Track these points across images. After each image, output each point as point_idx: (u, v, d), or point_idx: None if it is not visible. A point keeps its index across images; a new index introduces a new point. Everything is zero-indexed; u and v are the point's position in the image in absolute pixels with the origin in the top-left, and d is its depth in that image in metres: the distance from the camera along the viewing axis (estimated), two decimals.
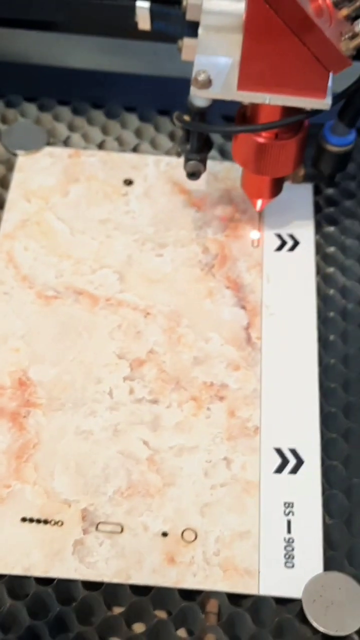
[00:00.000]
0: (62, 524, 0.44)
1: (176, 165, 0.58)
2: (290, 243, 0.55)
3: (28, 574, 0.43)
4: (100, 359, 0.50)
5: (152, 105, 0.62)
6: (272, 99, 0.46)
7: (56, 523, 0.44)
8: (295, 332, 0.52)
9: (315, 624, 0.42)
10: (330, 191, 0.58)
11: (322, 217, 0.57)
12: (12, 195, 0.57)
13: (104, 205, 0.56)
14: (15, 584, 0.43)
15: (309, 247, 0.55)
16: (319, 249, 0.56)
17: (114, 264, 0.54)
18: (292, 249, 0.55)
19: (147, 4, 0.52)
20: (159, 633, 0.42)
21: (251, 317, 0.52)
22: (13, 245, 0.54)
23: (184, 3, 0.49)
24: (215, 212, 0.56)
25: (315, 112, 0.47)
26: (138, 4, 0.52)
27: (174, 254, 0.55)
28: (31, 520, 0.44)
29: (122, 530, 0.44)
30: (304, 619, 0.42)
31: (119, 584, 0.43)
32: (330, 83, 0.46)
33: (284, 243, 0.55)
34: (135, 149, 0.60)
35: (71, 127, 0.61)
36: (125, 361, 0.50)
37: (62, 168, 0.58)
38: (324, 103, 0.46)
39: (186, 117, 0.49)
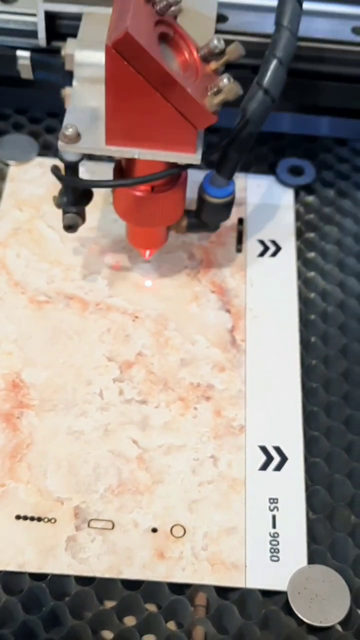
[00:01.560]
0: (55, 521, 0.44)
1: None
2: (272, 249, 0.55)
3: (22, 570, 0.42)
4: (90, 362, 0.50)
5: None
6: (142, 154, 0.44)
7: (49, 520, 0.44)
8: (278, 334, 0.52)
9: (300, 616, 0.41)
10: (310, 198, 0.58)
11: (302, 224, 0.57)
12: (4, 205, 0.56)
13: (92, 214, 0.56)
14: (9, 580, 0.42)
15: (290, 252, 0.55)
16: (300, 255, 0.55)
17: (103, 269, 0.54)
18: (274, 254, 0.55)
19: (27, 54, 0.50)
20: (150, 626, 0.42)
21: (235, 320, 0.52)
22: (5, 252, 0.54)
23: (62, 53, 0.48)
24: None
25: (186, 166, 0.46)
26: (18, 53, 0.50)
27: (160, 260, 0.54)
28: (25, 517, 0.44)
29: (113, 527, 0.44)
30: (289, 611, 0.42)
31: (110, 579, 0.42)
32: (200, 138, 0.44)
33: (266, 249, 0.55)
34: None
35: None
36: (115, 363, 0.50)
37: (52, 178, 0.57)
38: (194, 158, 0.44)
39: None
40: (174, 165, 0.45)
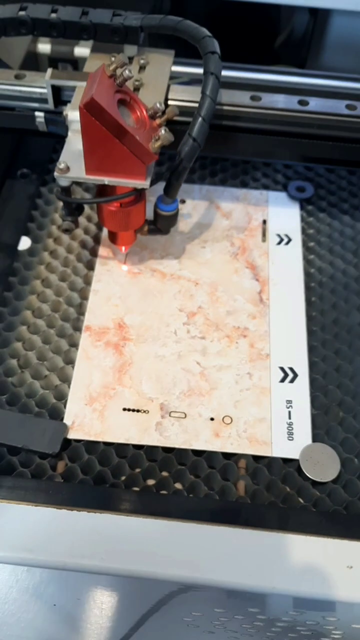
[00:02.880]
0: (148, 412, 0.44)
1: (212, 190, 0.58)
2: (285, 240, 0.55)
3: (128, 442, 0.43)
4: (168, 311, 0.50)
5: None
6: (110, 181, 0.44)
7: (144, 412, 0.44)
8: (290, 295, 0.51)
9: (307, 474, 0.42)
10: (309, 207, 0.57)
11: (305, 224, 0.56)
12: None
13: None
14: (120, 449, 0.43)
15: (297, 242, 0.54)
16: (304, 244, 0.55)
17: (175, 252, 0.53)
18: (287, 243, 0.54)
19: (42, 114, 0.50)
20: (210, 480, 0.42)
21: (262, 286, 0.51)
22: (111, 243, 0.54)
23: (63, 114, 0.47)
24: (238, 220, 0.55)
25: (141, 190, 0.45)
26: (36, 113, 0.50)
27: (213, 246, 0.54)
28: (129, 409, 0.44)
29: (185, 416, 0.44)
30: (300, 472, 0.42)
31: (184, 449, 0.43)
32: (149, 170, 0.43)
33: (281, 240, 0.55)
34: (186, 181, 0.59)
35: None
36: (184, 313, 0.50)
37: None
38: (145, 184, 0.44)
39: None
40: (132, 189, 0.45)
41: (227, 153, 0.56)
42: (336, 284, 0.52)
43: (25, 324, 0.49)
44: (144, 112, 0.44)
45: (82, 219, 0.55)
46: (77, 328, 0.49)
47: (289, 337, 0.49)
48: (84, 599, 0.42)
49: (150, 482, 0.42)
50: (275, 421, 0.44)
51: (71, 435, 0.43)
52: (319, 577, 0.37)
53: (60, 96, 0.50)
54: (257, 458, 0.43)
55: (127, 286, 0.51)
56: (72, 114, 0.46)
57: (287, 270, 0.53)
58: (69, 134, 0.46)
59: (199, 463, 0.43)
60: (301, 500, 0.41)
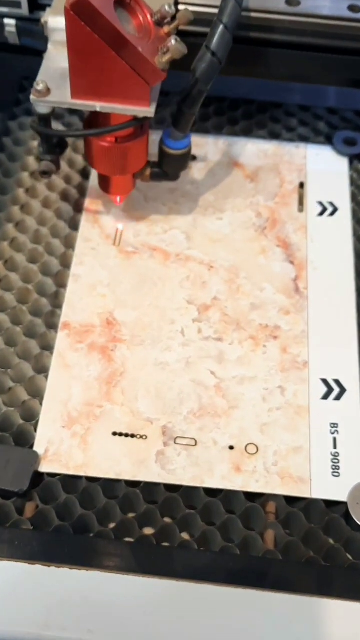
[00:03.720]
0: (146, 437, 0.45)
1: (232, 143, 0.58)
2: (330, 209, 0.55)
3: (119, 477, 0.43)
4: (172, 304, 0.50)
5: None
6: (103, 107, 0.44)
7: (141, 437, 0.45)
8: (336, 284, 0.52)
9: (358, 522, 0.42)
10: None
11: (356, 189, 0.57)
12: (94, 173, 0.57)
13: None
14: (108, 487, 0.43)
15: (346, 213, 0.55)
16: (355, 215, 0.55)
17: (182, 225, 0.54)
18: (332, 214, 0.55)
19: (13, 21, 0.50)
20: (228, 529, 0.43)
21: (298, 270, 0.52)
22: (98, 209, 0.54)
23: (41, 21, 0.48)
24: (266, 183, 0.56)
25: (144, 119, 0.46)
26: (6, 21, 0.50)
27: (232, 218, 0.55)
28: (120, 434, 0.45)
29: (195, 444, 0.45)
30: (348, 518, 0.43)
31: (194, 487, 0.43)
32: (154, 93, 0.44)
33: (324, 209, 0.55)
34: (197, 131, 0.59)
35: None
36: (194, 306, 0.50)
37: None
38: (149, 111, 0.44)
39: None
40: (132, 119, 0.45)
41: (255, 74, 0.56)
42: None
43: None
44: (148, 18, 0.44)
45: (52, 190, 0.56)
46: (52, 325, 0.49)
47: (334, 340, 0.49)
48: None
49: (149, 530, 0.42)
50: (315, 451, 0.45)
51: (43, 468, 0.43)
52: None
53: None
54: (291, 500, 0.43)
55: (117, 270, 0.51)
56: (54, 21, 0.47)
57: (332, 249, 0.53)
58: (49, 47, 0.47)
59: (214, 506, 0.43)
60: (349, 557, 0.42)
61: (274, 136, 0.59)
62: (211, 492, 0.43)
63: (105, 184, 0.52)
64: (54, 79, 0.45)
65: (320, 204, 0.56)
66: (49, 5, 0.49)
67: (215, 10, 0.45)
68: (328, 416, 0.46)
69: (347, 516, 0.43)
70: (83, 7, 0.40)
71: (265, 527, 0.43)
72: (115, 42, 0.41)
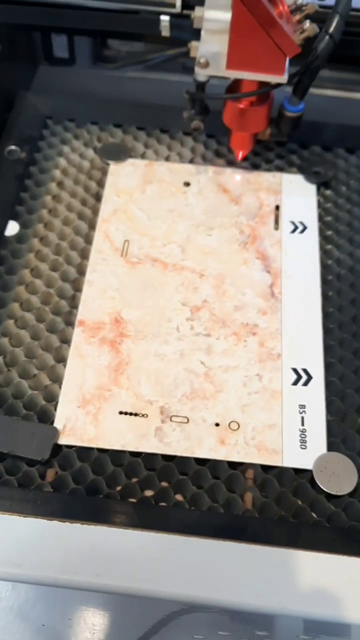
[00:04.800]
0: (147, 416, 0.45)
1: (220, 172, 0.59)
2: (300, 227, 0.55)
3: (124, 449, 0.44)
4: (169, 305, 0.50)
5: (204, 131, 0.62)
6: (249, 76, 0.49)
7: (143, 415, 0.45)
8: (305, 290, 0.52)
9: (322, 487, 0.42)
10: (327, 192, 0.58)
11: (322, 210, 0.57)
12: (107, 192, 0.57)
13: (170, 200, 0.56)
14: (115, 456, 0.44)
15: (314, 231, 0.55)
16: (321, 232, 0.56)
17: (178, 240, 0.54)
18: (302, 231, 0.55)
19: (167, 18, 0.55)
20: (214, 492, 0.43)
21: (274, 278, 0.52)
22: (108, 227, 0.55)
23: (192, 16, 0.51)
24: (248, 206, 0.56)
25: (277, 86, 0.50)
26: (162, 17, 0.55)
27: (220, 234, 0.55)
28: (126, 413, 0.45)
29: (188, 421, 0.45)
30: (313, 484, 0.43)
31: (186, 457, 0.44)
32: (287, 65, 0.48)
33: (296, 227, 0.55)
34: (191, 161, 0.60)
35: (146, 145, 0.61)
36: (187, 307, 0.50)
37: (140, 174, 0.58)
38: (283, 79, 0.49)
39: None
40: (267, 84, 0.50)
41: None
42: (356, 278, 0.53)
43: (12, 317, 0.50)
44: (285, 7, 0.48)
45: (71, 211, 0.56)
46: (70, 323, 0.49)
47: (302, 336, 0.49)
48: (75, 620, 0.43)
49: (149, 493, 0.43)
50: (286, 428, 0.45)
51: (62, 440, 0.44)
52: (333, 599, 0.38)
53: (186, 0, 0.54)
54: (266, 468, 0.44)
55: (124, 277, 0.52)
56: (210, 13, 0.50)
57: (301, 261, 0.53)
58: (203, 33, 0.50)
59: (202, 473, 0.43)
60: (314, 515, 0.42)
61: (255, 167, 0.60)
62: (200, 461, 0.44)
63: (235, 141, 0.56)
64: (210, 56, 0.49)
65: (293, 223, 0.56)
66: (196, 5, 0.52)
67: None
68: (297, 399, 0.46)
69: (312, 482, 0.43)
70: None
71: (244, 490, 0.43)
72: (267, 23, 0.46)
